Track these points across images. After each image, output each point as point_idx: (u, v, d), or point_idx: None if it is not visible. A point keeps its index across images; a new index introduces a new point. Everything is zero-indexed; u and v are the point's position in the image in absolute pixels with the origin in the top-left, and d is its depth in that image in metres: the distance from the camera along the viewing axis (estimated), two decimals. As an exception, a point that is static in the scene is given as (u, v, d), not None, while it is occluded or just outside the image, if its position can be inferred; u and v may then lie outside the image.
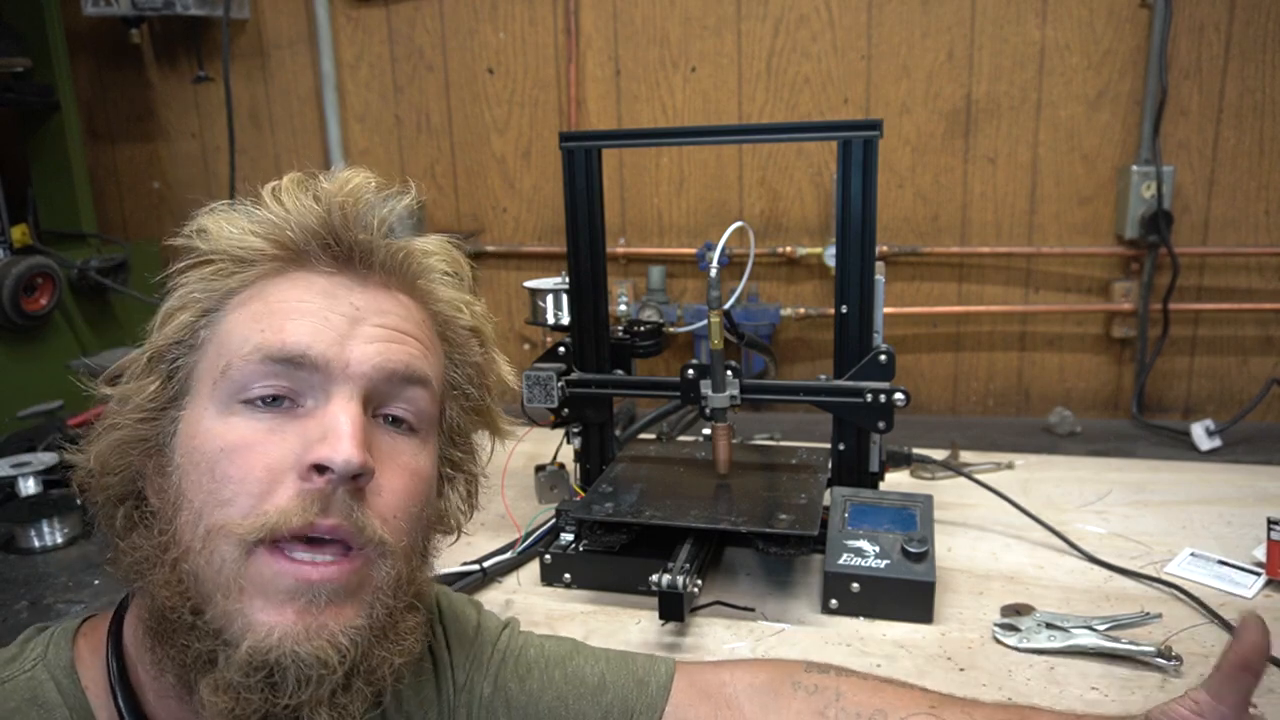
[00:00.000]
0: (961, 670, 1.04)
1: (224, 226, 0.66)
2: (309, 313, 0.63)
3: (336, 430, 0.59)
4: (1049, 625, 1.09)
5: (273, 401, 0.61)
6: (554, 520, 1.34)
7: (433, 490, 0.69)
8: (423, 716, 0.76)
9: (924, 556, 1.17)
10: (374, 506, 0.61)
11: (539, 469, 1.56)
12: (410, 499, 0.65)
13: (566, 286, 1.42)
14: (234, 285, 0.65)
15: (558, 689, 0.79)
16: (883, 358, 1.28)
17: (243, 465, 0.59)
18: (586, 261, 1.38)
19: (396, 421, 0.66)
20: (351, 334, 0.63)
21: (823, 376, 1.33)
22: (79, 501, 0.68)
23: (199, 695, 0.58)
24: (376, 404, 0.64)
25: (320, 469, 0.58)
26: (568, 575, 1.26)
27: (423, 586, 0.69)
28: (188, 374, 0.64)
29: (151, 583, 0.60)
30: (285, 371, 0.61)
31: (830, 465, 1.36)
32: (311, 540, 0.59)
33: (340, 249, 0.66)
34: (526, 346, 2.36)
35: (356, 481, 0.60)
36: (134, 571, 0.63)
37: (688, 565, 1.15)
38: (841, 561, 1.17)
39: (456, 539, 0.77)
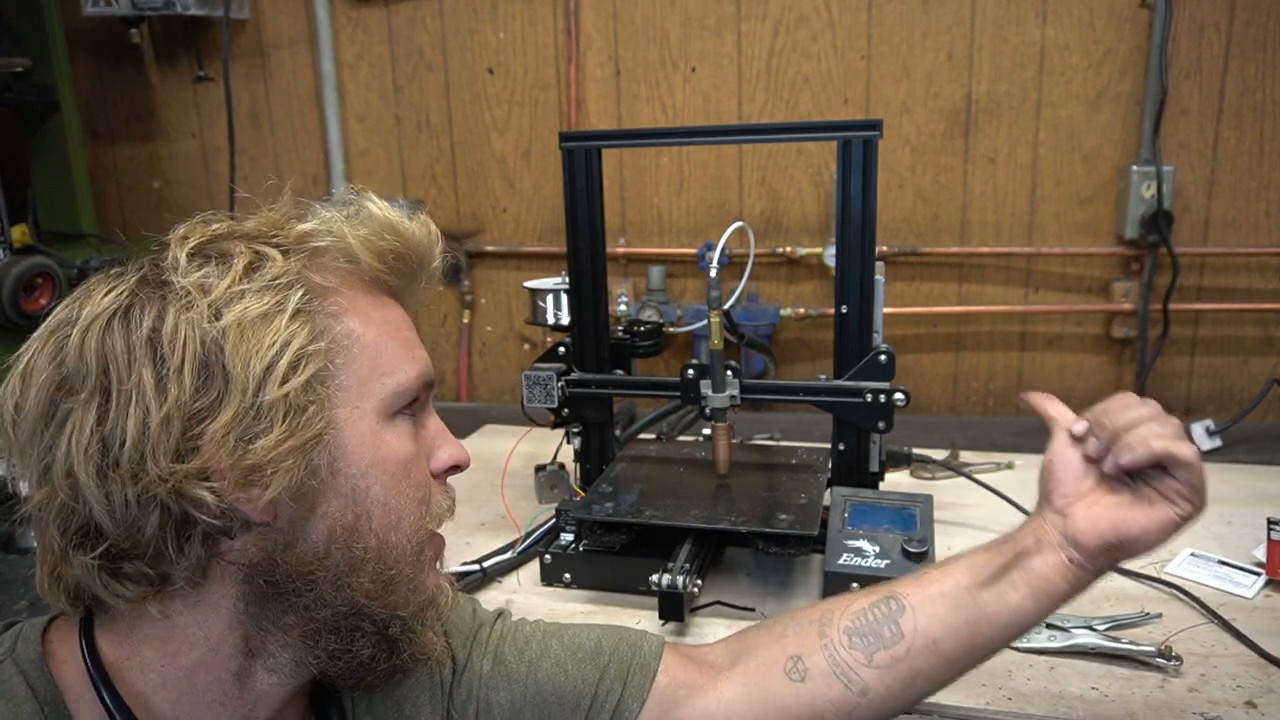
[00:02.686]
0: (961, 670, 1.04)
1: (345, 228, 0.68)
2: (417, 340, 0.72)
3: (448, 437, 0.72)
4: (1049, 625, 1.09)
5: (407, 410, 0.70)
6: (554, 520, 1.34)
7: None
8: (413, 703, 0.78)
9: (924, 556, 1.17)
10: None
11: (539, 469, 1.56)
12: None
13: (566, 286, 1.42)
14: (329, 285, 0.66)
15: (555, 655, 0.82)
16: (883, 358, 1.28)
17: (421, 471, 0.69)
18: (586, 261, 1.38)
19: None
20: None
21: (823, 376, 1.33)
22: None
23: (419, 637, 0.70)
24: None
25: (449, 470, 0.72)
26: (568, 575, 1.26)
27: None
28: (334, 381, 0.64)
29: (352, 586, 0.65)
30: (424, 392, 0.71)
31: (830, 465, 1.36)
32: None
33: (417, 291, 0.74)
34: (526, 346, 2.36)
35: None
36: (287, 581, 0.63)
37: (688, 565, 1.15)
38: (841, 561, 1.17)
39: None
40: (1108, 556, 0.75)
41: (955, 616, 0.76)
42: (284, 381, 0.60)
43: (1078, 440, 0.79)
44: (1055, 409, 0.84)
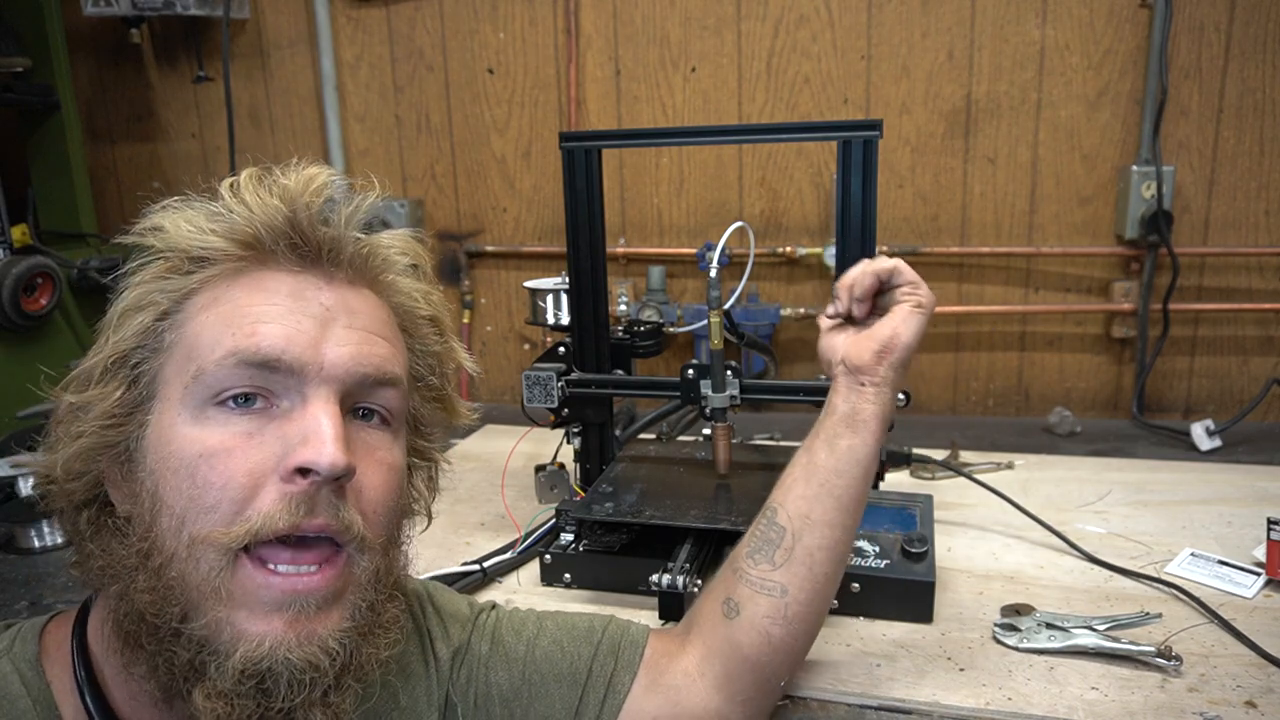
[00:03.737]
0: (961, 670, 1.04)
1: (182, 225, 0.65)
2: (279, 315, 0.63)
3: (319, 433, 0.60)
4: (1049, 625, 1.09)
5: (245, 401, 0.61)
6: (554, 520, 1.34)
7: (405, 481, 0.71)
8: (409, 690, 0.78)
9: (924, 556, 1.17)
10: (356, 504, 0.63)
11: (539, 469, 1.56)
12: (387, 493, 0.67)
13: (566, 286, 1.42)
14: (194, 285, 0.64)
15: (551, 634, 0.85)
16: (883, 358, 1.28)
17: (224, 471, 0.59)
18: (586, 261, 1.38)
19: (368, 415, 0.67)
20: (324, 336, 0.64)
21: (823, 376, 1.33)
22: (40, 505, 0.69)
23: (191, 702, 0.58)
24: (351, 401, 0.65)
25: (304, 471, 0.59)
26: (568, 575, 1.26)
27: (399, 574, 0.71)
28: (153, 377, 0.63)
29: (132, 588, 0.60)
30: (260, 375, 0.61)
31: (830, 465, 1.36)
32: (297, 541, 0.60)
33: (308, 248, 0.66)
34: (526, 346, 2.36)
35: (339, 481, 0.61)
36: (106, 576, 0.63)
37: (688, 565, 1.15)
38: (841, 561, 1.17)
39: (427, 526, 0.80)
40: (886, 364, 0.89)
41: (809, 487, 0.88)
42: (76, 382, 0.65)
43: (836, 326, 0.97)
44: (823, 321, 0.99)
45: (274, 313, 0.63)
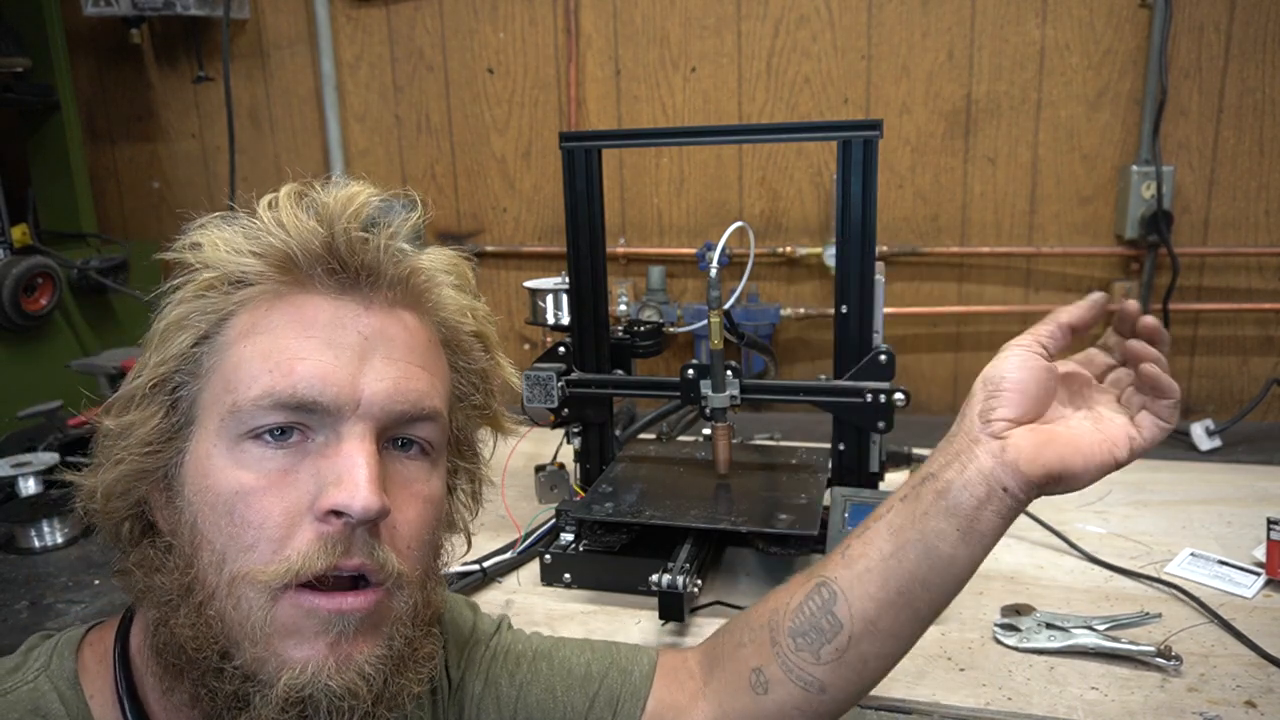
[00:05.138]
0: (961, 670, 1.04)
1: (220, 246, 0.63)
2: (316, 350, 0.61)
3: (352, 475, 0.59)
4: (1049, 625, 1.09)
5: (281, 434, 0.60)
6: (554, 520, 1.34)
7: (444, 509, 0.70)
8: (418, 716, 0.77)
9: (924, 556, 1.16)
10: (391, 541, 0.62)
11: (539, 469, 1.56)
12: (424, 527, 0.65)
13: (566, 286, 1.42)
14: (232, 307, 0.63)
15: (545, 680, 0.80)
16: (883, 358, 1.28)
17: (260, 509, 0.59)
18: (586, 261, 1.38)
19: (407, 445, 0.65)
20: (362, 370, 0.62)
21: (823, 376, 1.33)
22: (83, 515, 0.68)
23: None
24: (389, 434, 0.64)
25: (337, 513, 0.59)
26: (568, 575, 1.26)
27: (438, 609, 0.69)
28: (191, 402, 0.63)
29: (173, 621, 0.60)
30: (296, 414, 0.60)
31: (830, 465, 1.36)
32: (334, 581, 0.60)
33: (346, 274, 0.64)
34: (526, 346, 2.36)
35: (373, 521, 0.60)
36: (148, 598, 0.63)
37: (688, 565, 1.15)
38: (841, 561, 1.17)
39: (469, 549, 0.77)
40: (1044, 491, 0.69)
41: (885, 590, 0.71)
42: (117, 404, 0.65)
43: (1038, 361, 0.70)
44: (1035, 347, 0.72)
45: (311, 347, 0.61)
